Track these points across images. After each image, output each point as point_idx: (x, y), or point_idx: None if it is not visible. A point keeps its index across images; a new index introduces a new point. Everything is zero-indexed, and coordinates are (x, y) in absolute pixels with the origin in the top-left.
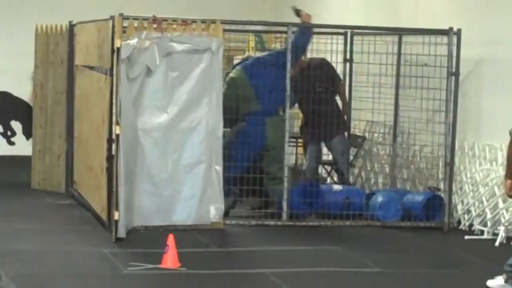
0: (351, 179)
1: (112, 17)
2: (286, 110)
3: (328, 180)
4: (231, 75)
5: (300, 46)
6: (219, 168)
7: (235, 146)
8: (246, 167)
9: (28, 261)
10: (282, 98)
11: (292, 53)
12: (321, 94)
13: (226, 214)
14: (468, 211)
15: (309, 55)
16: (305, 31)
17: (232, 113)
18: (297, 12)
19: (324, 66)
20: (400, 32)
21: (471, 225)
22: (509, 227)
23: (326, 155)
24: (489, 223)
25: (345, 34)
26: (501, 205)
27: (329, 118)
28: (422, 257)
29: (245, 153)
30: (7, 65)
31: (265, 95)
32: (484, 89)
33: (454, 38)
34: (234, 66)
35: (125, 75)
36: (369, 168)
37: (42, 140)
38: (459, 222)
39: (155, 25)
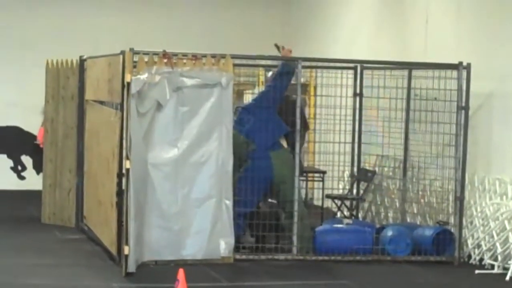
0: (361, 214)
1: (123, 52)
2: (296, 145)
3: (338, 214)
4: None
5: (285, 72)
6: (229, 202)
7: (245, 181)
8: (257, 202)
9: None
10: (275, 131)
11: (278, 80)
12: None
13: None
14: (479, 245)
15: (318, 89)
16: (289, 62)
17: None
18: (278, 48)
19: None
20: (409, 66)
21: (481, 260)
22: None
23: (336, 189)
24: (499, 257)
25: (354, 69)
26: (511, 239)
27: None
28: None
29: (255, 188)
30: (18, 99)
31: (258, 136)
32: (494, 123)
33: (464, 72)
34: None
35: (135, 110)
36: (379, 202)
37: (53, 174)
38: (469, 256)
39: (165, 60)
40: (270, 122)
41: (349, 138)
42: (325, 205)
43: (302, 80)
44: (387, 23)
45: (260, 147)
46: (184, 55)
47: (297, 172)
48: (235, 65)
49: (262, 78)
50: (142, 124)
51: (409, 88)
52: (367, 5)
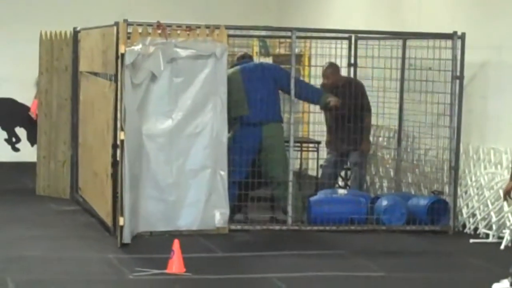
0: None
1: (117, 23)
2: (291, 114)
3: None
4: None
5: (313, 99)
6: (223, 173)
7: (233, 151)
8: (246, 172)
9: (33, 268)
10: (272, 111)
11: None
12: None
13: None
14: (473, 215)
15: (313, 60)
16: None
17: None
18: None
19: (353, 86)
20: (404, 36)
21: (476, 229)
22: None
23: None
24: (494, 227)
25: (349, 39)
26: (506, 208)
27: (351, 134)
28: (428, 260)
29: (243, 158)
30: (12, 71)
31: (256, 102)
32: (488, 93)
33: (459, 42)
34: (233, 66)
35: (130, 81)
36: (374, 173)
37: (47, 146)
38: (464, 225)
39: (159, 31)
40: (269, 100)
41: None
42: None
43: (297, 50)
44: None
45: (251, 117)
46: (178, 26)
47: (291, 143)
48: (229, 35)
49: (256, 49)
50: (136, 95)
51: (403, 58)
52: None
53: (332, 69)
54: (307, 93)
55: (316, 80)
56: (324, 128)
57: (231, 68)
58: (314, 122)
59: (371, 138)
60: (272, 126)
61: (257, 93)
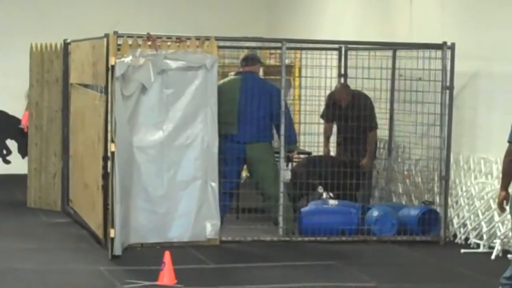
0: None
1: (107, 35)
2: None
3: (324, 195)
4: (225, 80)
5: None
6: (214, 184)
7: (222, 162)
8: (236, 183)
9: (24, 280)
10: (263, 132)
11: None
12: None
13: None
14: (464, 225)
15: (303, 71)
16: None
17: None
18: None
19: (361, 100)
20: (394, 46)
21: (467, 239)
22: (505, 240)
23: None
24: (485, 237)
25: (339, 49)
26: (496, 218)
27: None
28: (419, 271)
29: (233, 169)
30: (2, 84)
31: (246, 122)
32: (478, 103)
33: (448, 52)
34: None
35: (120, 93)
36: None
37: (38, 158)
38: (455, 235)
39: (149, 43)
40: (260, 120)
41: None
42: None
43: (287, 61)
44: (371, 4)
45: (238, 137)
46: (169, 37)
47: (282, 154)
48: (219, 47)
49: None
50: (127, 107)
51: (393, 68)
52: None
53: (341, 90)
54: (289, 127)
55: (306, 91)
56: (316, 139)
57: (233, 75)
58: (305, 133)
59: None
60: (256, 146)
61: (251, 113)
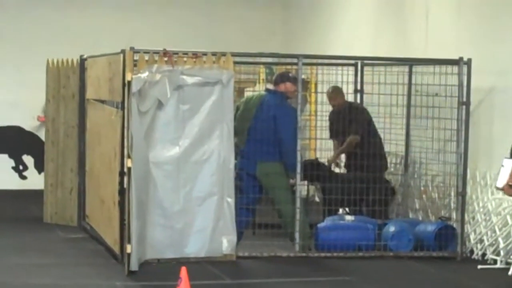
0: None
1: (123, 51)
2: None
3: (340, 211)
4: (253, 94)
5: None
6: (231, 200)
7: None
8: (254, 198)
9: None
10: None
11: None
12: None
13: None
14: (481, 241)
15: (319, 86)
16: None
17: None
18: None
19: (350, 110)
20: (410, 62)
21: (484, 255)
22: None
23: None
24: (502, 252)
25: (355, 65)
26: None
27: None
28: (436, 287)
29: (249, 185)
30: (19, 99)
31: (255, 139)
32: (495, 118)
33: (465, 68)
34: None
35: (136, 109)
36: None
37: (54, 174)
38: (471, 251)
39: (165, 58)
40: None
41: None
42: None
43: (303, 77)
44: (387, 19)
45: (247, 153)
46: (185, 53)
47: (298, 169)
48: (235, 62)
49: (262, 76)
50: (143, 123)
51: (409, 84)
52: (367, 1)
53: (335, 91)
54: (287, 154)
55: (322, 106)
56: (332, 154)
57: (260, 92)
58: (321, 148)
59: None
60: (266, 164)
61: (261, 131)
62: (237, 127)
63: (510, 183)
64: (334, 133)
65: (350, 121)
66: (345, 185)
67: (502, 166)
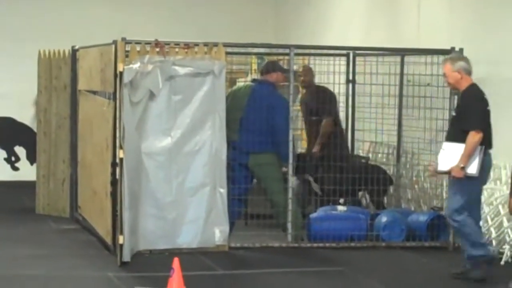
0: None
1: (115, 42)
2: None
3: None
4: (239, 85)
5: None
6: (223, 190)
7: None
8: (245, 189)
9: (33, 287)
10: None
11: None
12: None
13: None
14: None
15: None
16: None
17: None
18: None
19: (319, 93)
20: (402, 52)
21: None
22: None
23: None
24: (494, 242)
25: (347, 55)
26: (505, 224)
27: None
28: (428, 277)
29: (241, 175)
30: (10, 90)
31: (248, 130)
32: None
33: None
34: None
35: (128, 99)
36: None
37: (46, 165)
38: None
39: (157, 49)
40: (263, 130)
41: (342, 125)
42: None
43: (295, 67)
44: (379, 9)
45: (240, 144)
46: (176, 44)
47: (290, 159)
48: (227, 53)
49: (254, 66)
50: (135, 114)
51: (401, 74)
52: None
53: (307, 68)
54: (281, 144)
55: None
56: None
57: (247, 82)
58: None
59: (369, 155)
60: (259, 155)
61: (253, 122)
62: (227, 119)
63: (461, 165)
64: (308, 113)
65: (323, 101)
66: (342, 175)
67: (442, 149)
